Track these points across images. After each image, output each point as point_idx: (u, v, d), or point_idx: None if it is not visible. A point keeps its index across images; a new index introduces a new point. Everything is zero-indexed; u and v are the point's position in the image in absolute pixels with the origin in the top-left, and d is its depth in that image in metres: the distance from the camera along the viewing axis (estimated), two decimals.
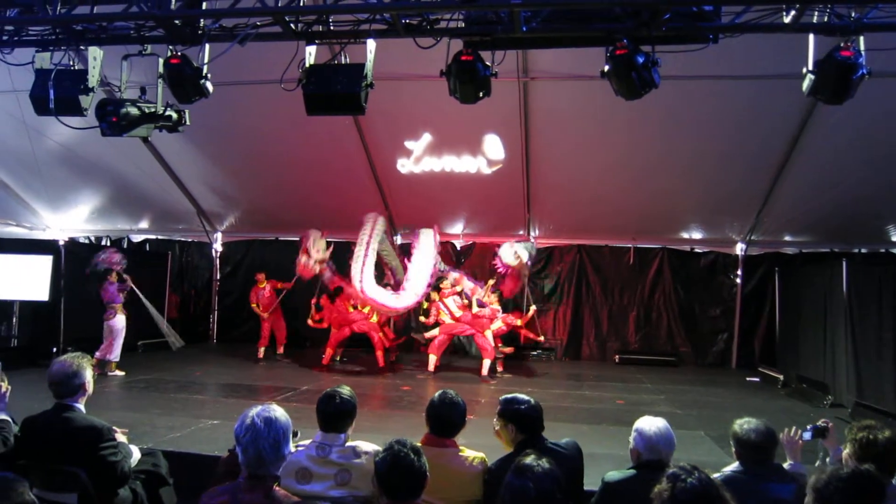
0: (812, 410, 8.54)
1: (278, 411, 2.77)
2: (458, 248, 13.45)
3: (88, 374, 3.70)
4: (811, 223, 11.54)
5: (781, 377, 10.63)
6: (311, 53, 5.44)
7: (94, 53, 5.61)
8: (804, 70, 4.99)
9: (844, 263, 9.17)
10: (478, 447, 3.55)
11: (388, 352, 11.32)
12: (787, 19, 4.80)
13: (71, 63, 5.77)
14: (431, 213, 12.65)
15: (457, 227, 13.08)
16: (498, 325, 10.78)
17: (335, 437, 3.36)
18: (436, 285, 10.78)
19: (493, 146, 10.70)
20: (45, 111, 5.64)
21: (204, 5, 5.19)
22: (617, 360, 12.81)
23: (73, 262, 10.82)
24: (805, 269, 11.36)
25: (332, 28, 5.42)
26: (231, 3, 5.22)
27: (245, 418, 2.71)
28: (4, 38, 5.61)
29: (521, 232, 12.84)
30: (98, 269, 9.96)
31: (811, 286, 10.37)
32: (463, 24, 5.14)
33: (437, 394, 3.59)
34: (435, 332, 10.97)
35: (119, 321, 9.74)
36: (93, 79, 5.59)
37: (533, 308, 11.57)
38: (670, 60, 5.10)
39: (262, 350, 11.83)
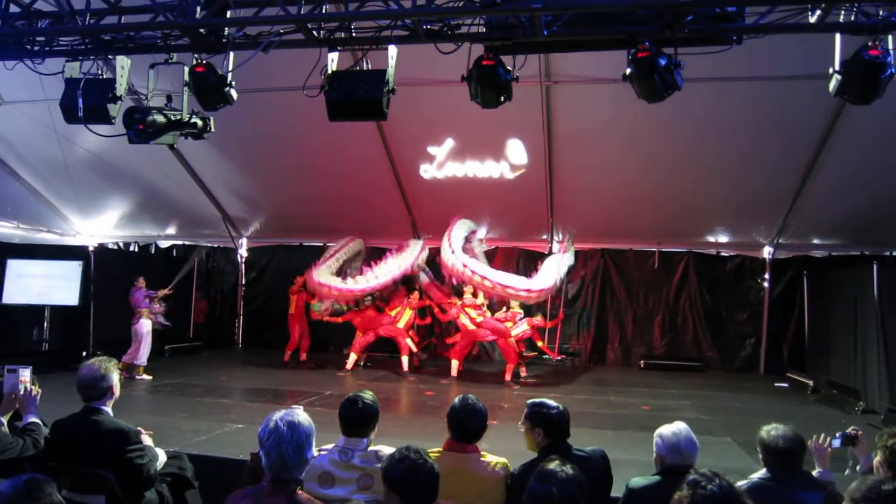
0: (843, 417, 8.38)
1: (301, 415, 2.78)
2: (484, 253, 13.43)
3: (115, 378, 3.75)
4: (840, 225, 11.34)
5: (811, 383, 10.44)
6: (333, 60, 5.49)
7: (122, 62, 5.73)
8: (830, 70, 4.91)
9: (875, 266, 8.97)
10: (500, 452, 3.54)
11: (412, 356, 11.35)
12: (812, 19, 4.71)
13: (99, 72, 5.89)
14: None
15: (480, 233, 13.05)
16: (521, 329, 10.74)
17: (358, 441, 3.37)
18: (458, 290, 10.79)
19: (516, 151, 10.69)
20: (74, 119, 5.76)
21: (228, 14, 5.25)
22: (642, 366, 12.68)
23: (103, 267, 11.00)
24: (835, 273, 11.15)
25: (353, 34, 5.45)
26: (255, 12, 5.28)
27: (269, 422, 2.73)
28: (35, 48, 5.73)
29: (545, 236, 12.80)
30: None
31: (841, 290, 10.17)
32: (484, 29, 5.14)
33: (457, 399, 3.58)
34: (457, 337, 10.97)
35: (145, 325, 9.88)
36: (120, 87, 5.70)
37: (560, 313, 11.50)
38: (694, 62, 5.05)
39: (289, 353, 11.88)
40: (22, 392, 3.90)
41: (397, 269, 10.48)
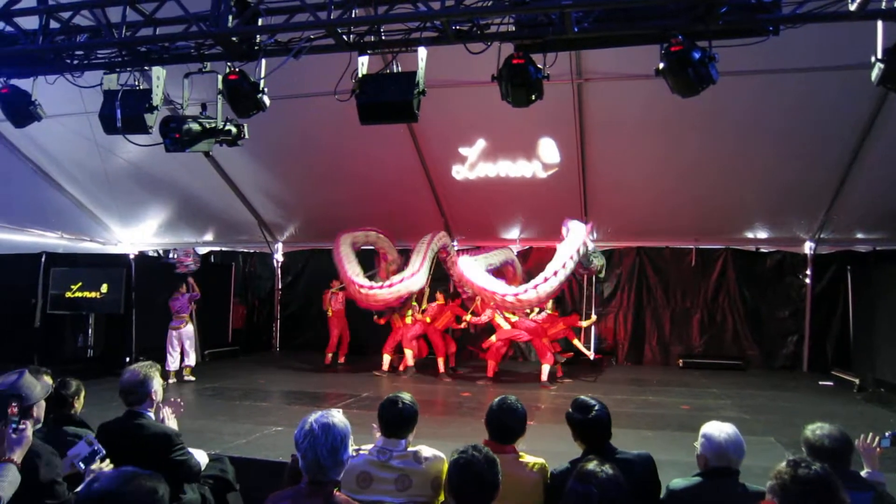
0: (892, 416, 8.13)
1: (336, 417, 2.79)
2: (516, 254, 13.37)
3: (156, 384, 3.81)
4: (886, 219, 10.99)
5: (857, 381, 10.17)
6: (363, 64, 5.53)
7: (158, 73, 5.85)
8: (872, 59, 4.77)
9: None
10: (538, 453, 3.51)
11: (448, 358, 11.35)
12: (852, 7, 4.58)
13: (136, 83, 6.03)
14: (487, 219, 12.66)
15: (513, 233, 13.01)
16: (556, 329, 10.66)
17: (396, 442, 3.38)
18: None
19: (549, 150, 10.62)
20: (113, 130, 5.90)
21: (259, 22, 5.32)
22: (681, 365, 12.46)
23: (143, 274, 11.22)
24: (880, 268, 10.83)
25: (383, 38, 5.48)
26: (285, 19, 5.34)
27: (304, 424, 2.75)
28: (75, 62, 5.89)
29: None
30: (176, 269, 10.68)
31: (887, 285, 9.88)
32: (513, 28, 5.12)
33: (496, 399, 3.57)
34: (492, 338, 10.93)
35: (189, 329, 10.26)
36: (157, 97, 5.83)
37: (594, 317, 11.42)
38: (729, 55, 4.95)
39: (329, 356, 12.05)
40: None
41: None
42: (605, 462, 2.56)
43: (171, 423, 3.90)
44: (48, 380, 3.76)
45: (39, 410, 3.49)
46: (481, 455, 2.75)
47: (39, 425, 3.57)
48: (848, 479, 3.10)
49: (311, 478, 2.71)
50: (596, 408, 3.42)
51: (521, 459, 3.38)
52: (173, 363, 10.06)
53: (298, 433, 2.74)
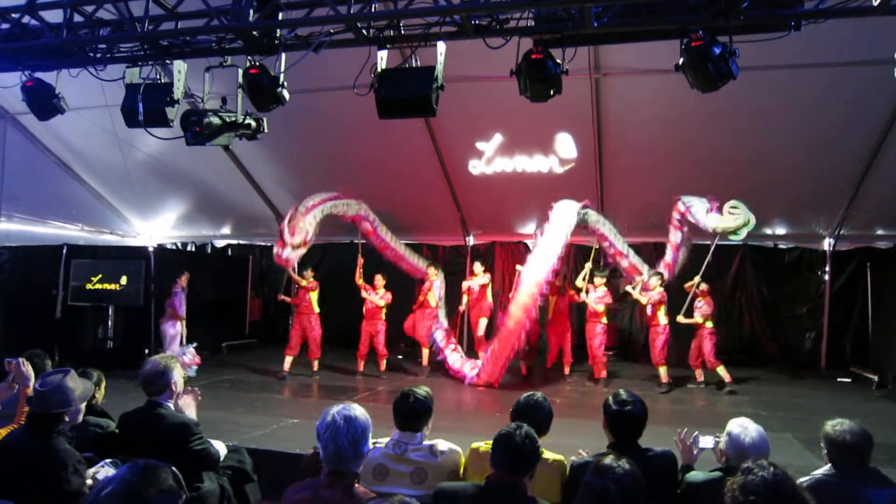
0: None
1: (358, 410, 2.82)
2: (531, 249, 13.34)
3: (176, 375, 3.86)
4: None
5: (876, 378, 10.09)
6: (382, 58, 5.53)
7: (179, 67, 5.90)
8: (895, 54, 4.72)
9: None
10: (556, 448, 3.53)
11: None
12: (876, 1, 4.53)
13: (158, 77, 6.09)
14: (504, 214, 12.64)
15: (529, 228, 12.97)
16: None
17: (411, 435, 3.40)
18: None
19: (565, 145, 10.58)
20: (135, 123, 5.95)
21: (280, 16, 5.34)
22: None
23: (162, 267, 11.32)
24: None
25: (402, 32, 5.48)
26: (306, 13, 5.36)
27: (326, 416, 2.78)
28: (98, 55, 5.94)
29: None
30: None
31: None
32: (533, 23, 5.11)
33: (524, 395, 3.62)
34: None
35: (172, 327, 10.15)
36: (178, 91, 5.88)
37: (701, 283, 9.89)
38: (748, 50, 4.91)
39: (361, 363, 10.52)
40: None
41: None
42: (623, 457, 2.56)
43: (191, 411, 3.95)
44: (90, 382, 3.83)
45: (76, 414, 3.53)
46: (523, 430, 2.92)
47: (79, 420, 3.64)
48: (868, 475, 3.09)
49: (332, 469, 2.74)
50: (634, 403, 3.42)
51: (541, 455, 3.40)
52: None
53: (320, 424, 2.77)
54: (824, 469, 3.18)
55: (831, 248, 12.02)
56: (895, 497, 2.89)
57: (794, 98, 8.80)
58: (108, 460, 3.56)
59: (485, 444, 3.49)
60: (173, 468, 2.20)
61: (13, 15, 5.77)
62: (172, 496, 2.10)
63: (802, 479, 2.84)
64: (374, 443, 3.36)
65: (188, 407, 3.99)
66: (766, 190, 10.74)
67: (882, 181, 9.98)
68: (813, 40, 6.60)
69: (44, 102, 6.29)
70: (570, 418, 6.71)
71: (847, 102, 8.67)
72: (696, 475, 3.21)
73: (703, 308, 9.53)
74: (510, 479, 2.81)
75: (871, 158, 9.64)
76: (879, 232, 11.66)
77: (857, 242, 11.91)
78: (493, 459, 2.88)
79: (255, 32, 5.38)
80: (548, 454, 3.40)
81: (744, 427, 3.21)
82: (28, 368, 4.13)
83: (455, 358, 10.25)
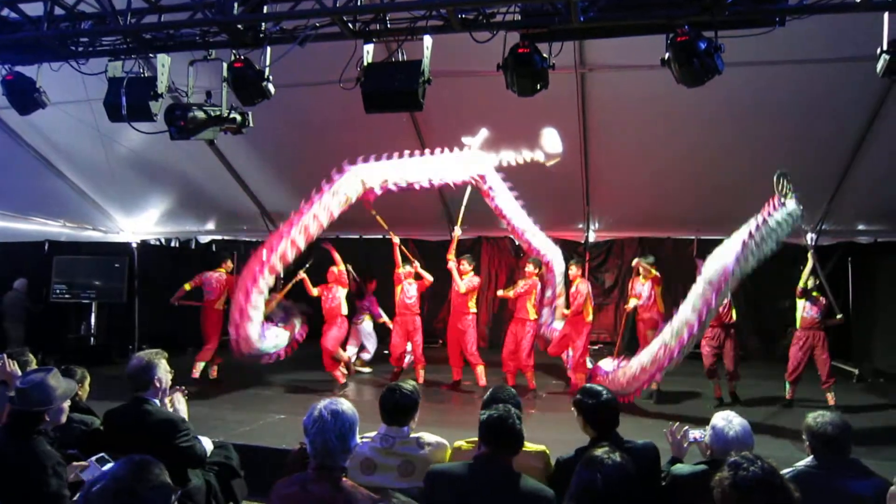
0: (890, 406, 8.18)
1: (345, 404, 2.83)
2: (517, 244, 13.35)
3: (161, 371, 3.83)
4: (887, 210, 10.98)
5: (856, 371, 10.21)
6: (368, 52, 5.51)
7: (163, 60, 5.84)
8: (878, 51, 4.77)
9: None
10: (539, 441, 3.55)
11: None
12: None
13: (141, 71, 6.01)
14: (489, 209, 12.62)
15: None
16: None
17: (398, 429, 3.43)
18: None
19: (551, 140, 10.59)
20: (118, 118, 5.89)
21: (265, 9, 5.31)
22: None
23: (146, 263, 11.23)
24: (881, 259, 10.84)
25: (388, 26, 5.47)
26: (291, 6, 5.33)
27: (313, 410, 2.78)
28: (79, 49, 5.87)
29: (581, 226, 12.66)
30: None
31: (887, 277, 9.90)
32: (519, 17, 5.12)
33: (492, 388, 3.72)
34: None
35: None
36: (161, 85, 5.81)
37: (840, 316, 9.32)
38: (734, 45, 4.94)
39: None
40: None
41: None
42: (614, 449, 2.57)
43: (181, 407, 3.93)
44: (73, 382, 3.79)
45: (58, 414, 3.48)
46: (512, 413, 3.07)
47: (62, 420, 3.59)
48: (850, 467, 3.13)
49: (319, 463, 2.74)
50: (605, 392, 3.47)
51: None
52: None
53: (307, 419, 2.77)
54: (806, 461, 3.21)
55: (813, 243, 12.12)
56: (876, 487, 2.92)
57: (779, 93, 8.85)
58: (94, 457, 3.53)
59: (466, 443, 3.51)
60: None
61: None
62: (165, 492, 2.09)
63: (784, 471, 2.87)
64: (362, 437, 3.37)
65: (179, 404, 3.97)
66: (750, 184, 10.80)
67: (863, 177, 10.09)
68: (797, 36, 6.68)
69: (24, 97, 6.19)
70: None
71: (831, 98, 8.74)
72: (681, 468, 3.24)
73: None
74: (499, 456, 2.97)
75: (853, 154, 9.73)
76: (860, 227, 11.80)
77: (838, 237, 12.04)
78: (483, 437, 3.03)
79: (239, 26, 5.34)
80: (530, 446, 3.42)
81: (728, 420, 3.24)
82: (14, 367, 4.08)
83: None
